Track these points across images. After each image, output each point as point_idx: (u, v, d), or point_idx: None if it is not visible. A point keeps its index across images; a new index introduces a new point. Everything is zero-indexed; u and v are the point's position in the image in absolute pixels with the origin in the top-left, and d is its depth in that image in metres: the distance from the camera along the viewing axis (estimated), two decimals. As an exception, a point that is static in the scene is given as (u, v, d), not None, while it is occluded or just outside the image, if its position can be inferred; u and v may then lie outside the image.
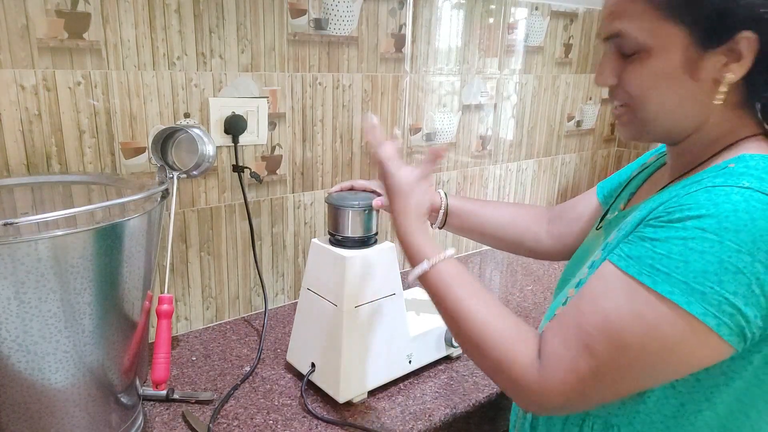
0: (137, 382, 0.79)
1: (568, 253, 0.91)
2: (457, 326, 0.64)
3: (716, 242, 0.50)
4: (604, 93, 1.85)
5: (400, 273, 0.94)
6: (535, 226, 0.96)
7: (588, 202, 0.91)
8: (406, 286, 0.91)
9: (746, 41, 0.54)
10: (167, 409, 0.87)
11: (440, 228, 0.99)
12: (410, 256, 0.69)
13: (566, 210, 0.94)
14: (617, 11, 0.59)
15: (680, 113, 0.60)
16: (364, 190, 0.93)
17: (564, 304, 0.67)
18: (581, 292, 0.59)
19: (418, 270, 0.67)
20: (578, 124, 1.81)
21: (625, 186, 0.80)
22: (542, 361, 0.57)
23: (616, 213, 0.76)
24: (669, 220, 0.54)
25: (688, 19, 0.55)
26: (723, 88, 0.56)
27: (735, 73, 0.55)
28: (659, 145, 0.82)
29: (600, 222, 0.78)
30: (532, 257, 1.00)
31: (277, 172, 1.16)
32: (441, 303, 0.66)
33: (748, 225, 0.49)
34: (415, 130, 1.38)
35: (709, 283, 0.50)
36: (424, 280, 0.67)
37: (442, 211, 0.96)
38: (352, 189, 0.94)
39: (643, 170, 0.80)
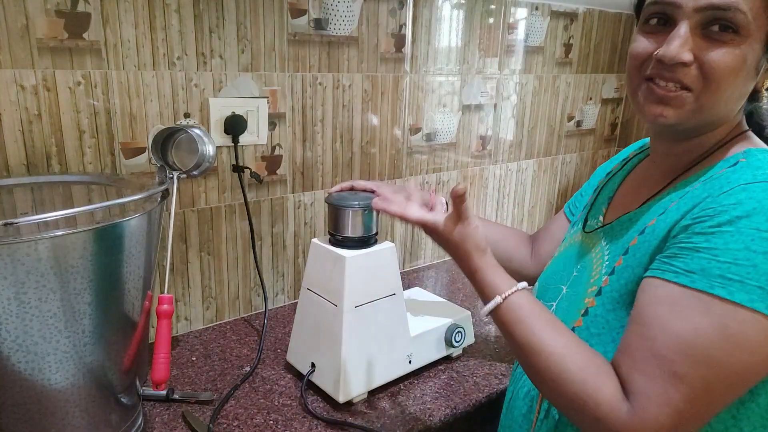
0: (137, 382, 0.79)
1: None
2: (530, 360, 0.61)
3: None
4: (605, 93, 1.85)
5: (401, 273, 0.93)
6: (523, 248, 0.96)
7: (560, 222, 0.91)
8: (406, 286, 0.90)
9: None
10: (167, 409, 0.87)
11: None
12: (481, 293, 0.67)
13: (543, 233, 0.95)
14: None
15: (735, 106, 0.60)
16: (364, 190, 0.93)
17: (585, 315, 0.65)
18: (639, 319, 0.56)
19: (491, 305, 0.64)
20: (578, 124, 1.81)
21: (600, 190, 0.80)
22: (631, 401, 0.53)
23: (600, 218, 0.74)
24: (718, 224, 0.53)
25: None
26: (767, 93, 0.59)
27: None
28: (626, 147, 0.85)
29: (583, 226, 0.77)
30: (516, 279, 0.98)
31: (277, 172, 1.16)
32: (513, 336, 0.63)
33: None
34: (415, 130, 1.37)
35: None
36: (496, 315, 0.65)
37: None
38: (352, 189, 0.93)
39: (612, 175, 0.80)
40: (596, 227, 0.73)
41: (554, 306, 0.73)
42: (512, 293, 0.64)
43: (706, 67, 0.56)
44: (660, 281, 0.55)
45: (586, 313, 0.65)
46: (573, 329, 0.65)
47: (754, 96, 0.62)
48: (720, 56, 0.55)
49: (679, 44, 0.56)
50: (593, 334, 0.63)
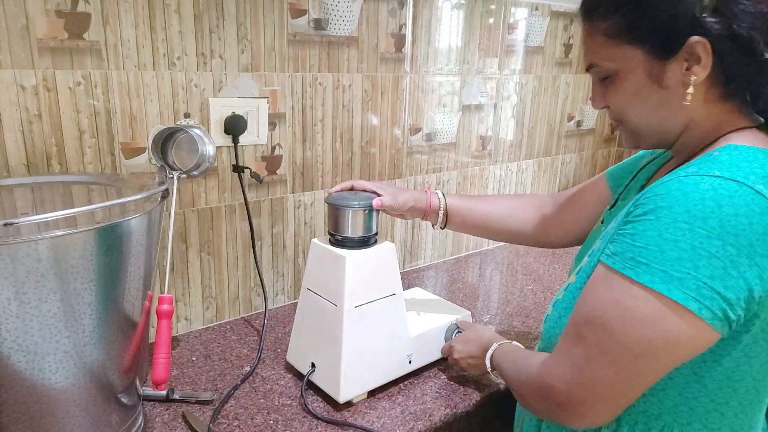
0: (137, 382, 0.79)
1: (573, 241, 0.94)
2: (508, 378, 0.76)
3: (687, 230, 0.53)
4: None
5: (401, 273, 0.94)
6: (537, 215, 0.98)
7: (595, 188, 0.92)
8: (406, 286, 0.91)
9: (700, 45, 0.59)
10: (167, 409, 0.87)
11: (442, 228, 0.99)
12: (486, 347, 0.86)
13: (571, 198, 0.96)
14: (587, 47, 0.68)
15: (659, 119, 0.66)
16: (364, 190, 0.93)
17: (566, 290, 0.70)
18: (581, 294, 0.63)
19: (490, 350, 0.84)
20: (578, 124, 1.81)
21: (634, 177, 0.82)
22: (549, 358, 0.64)
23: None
24: (644, 212, 0.57)
25: (639, 40, 0.62)
26: (690, 90, 0.61)
27: (698, 74, 0.60)
28: None
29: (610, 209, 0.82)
30: (537, 246, 1.03)
31: (277, 172, 1.16)
32: (502, 371, 0.79)
33: (716, 212, 0.53)
34: (415, 130, 1.37)
35: (685, 269, 0.53)
36: (493, 359, 0.84)
37: (441, 212, 0.97)
38: (352, 189, 0.94)
39: (652, 160, 0.82)
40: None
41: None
42: (501, 344, 0.84)
43: (611, 106, 0.69)
44: (599, 263, 0.62)
45: (567, 288, 0.71)
46: (557, 301, 0.72)
47: (732, 84, 0.63)
48: (612, 96, 0.68)
49: (593, 98, 0.72)
50: (565, 307, 0.69)
